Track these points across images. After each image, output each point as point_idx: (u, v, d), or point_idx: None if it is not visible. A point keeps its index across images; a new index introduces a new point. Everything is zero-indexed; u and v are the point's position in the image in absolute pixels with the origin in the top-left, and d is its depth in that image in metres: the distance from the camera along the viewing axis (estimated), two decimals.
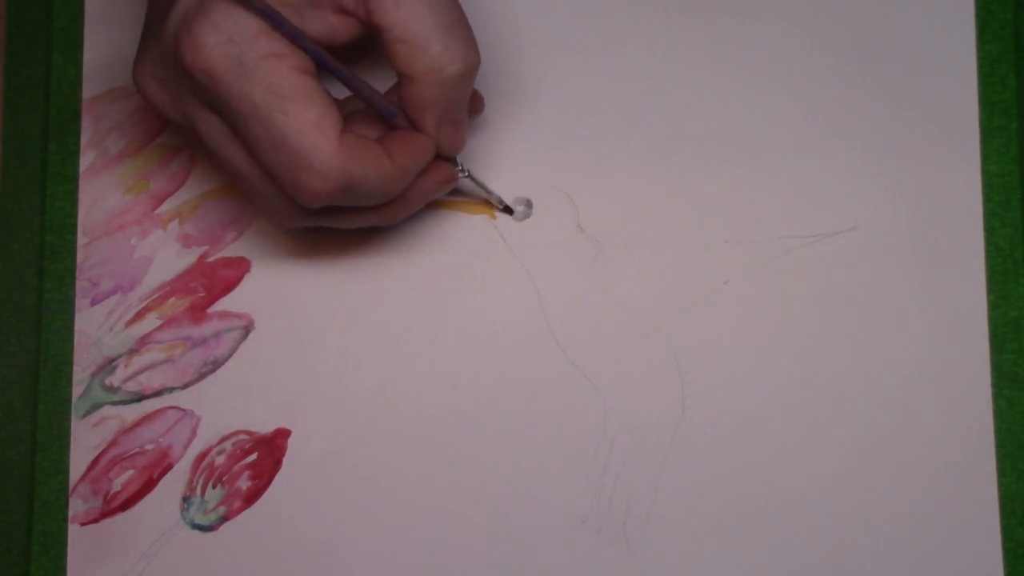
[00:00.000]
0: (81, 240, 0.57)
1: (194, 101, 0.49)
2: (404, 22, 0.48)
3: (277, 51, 0.47)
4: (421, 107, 0.50)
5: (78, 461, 0.56)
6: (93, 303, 0.57)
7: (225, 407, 0.56)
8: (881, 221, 0.55)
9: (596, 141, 0.56)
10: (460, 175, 0.53)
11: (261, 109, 0.47)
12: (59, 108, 0.58)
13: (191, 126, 0.50)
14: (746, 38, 0.56)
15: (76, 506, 0.56)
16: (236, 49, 0.47)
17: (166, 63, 0.49)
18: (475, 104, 0.54)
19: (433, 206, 0.55)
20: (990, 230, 0.55)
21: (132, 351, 0.56)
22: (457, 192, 0.55)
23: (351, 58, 0.52)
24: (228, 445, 0.56)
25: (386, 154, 0.49)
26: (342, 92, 0.51)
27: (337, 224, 0.52)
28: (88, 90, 0.58)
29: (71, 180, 0.57)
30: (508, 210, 0.56)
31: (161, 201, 0.57)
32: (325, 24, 0.49)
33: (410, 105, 0.50)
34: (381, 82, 0.52)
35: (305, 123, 0.47)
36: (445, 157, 0.52)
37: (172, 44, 0.48)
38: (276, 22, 0.47)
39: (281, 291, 0.56)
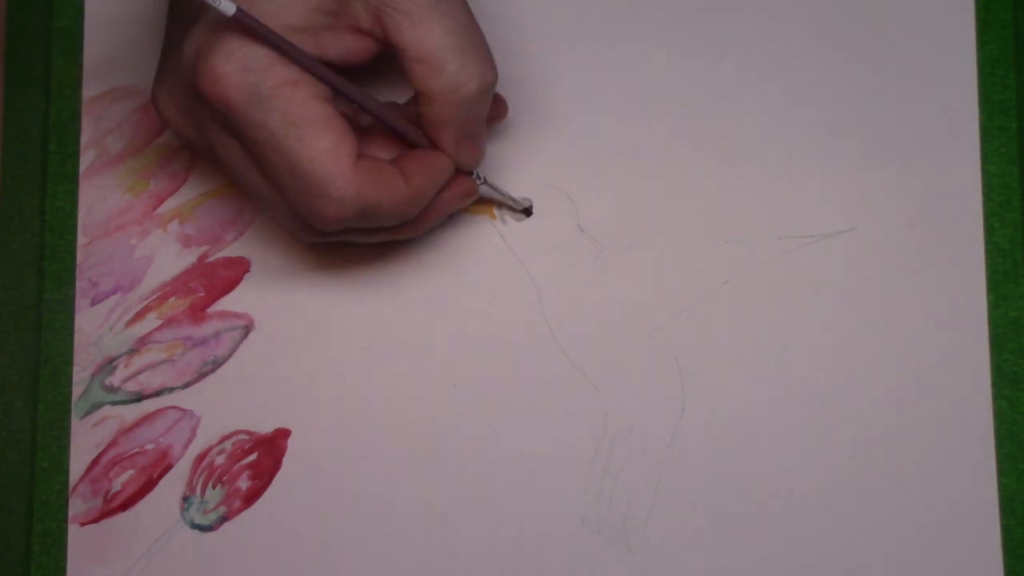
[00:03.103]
0: (81, 240, 0.57)
1: (213, 127, 0.49)
2: (420, 42, 0.48)
3: (292, 78, 0.47)
4: (439, 125, 0.50)
5: (78, 461, 0.56)
6: (93, 303, 0.57)
7: (225, 407, 0.56)
8: (881, 221, 0.55)
9: (596, 141, 0.56)
10: (479, 184, 0.53)
11: (277, 137, 0.47)
12: (59, 108, 0.58)
13: (211, 150, 0.50)
14: (746, 38, 0.56)
15: (76, 506, 0.56)
16: (252, 78, 0.47)
17: (184, 89, 0.49)
18: (497, 110, 0.54)
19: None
20: (990, 230, 0.55)
21: (132, 351, 0.56)
22: (477, 200, 0.55)
23: (372, 72, 0.52)
24: (228, 445, 0.56)
25: (403, 176, 0.50)
26: None
27: (356, 240, 0.52)
28: (88, 90, 0.58)
29: (71, 180, 0.57)
30: (528, 212, 0.56)
31: (161, 201, 0.57)
32: (343, 46, 0.49)
33: (428, 123, 0.50)
34: (401, 95, 0.53)
35: (320, 151, 0.48)
36: (463, 170, 0.52)
37: (189, 73, 0.48)
38: (286, 52, 0.47)
39: (281, 291, 0.56)
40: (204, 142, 0.50)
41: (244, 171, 0.49)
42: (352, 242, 0.52)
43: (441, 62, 0.48)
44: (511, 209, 0.56)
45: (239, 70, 0.47)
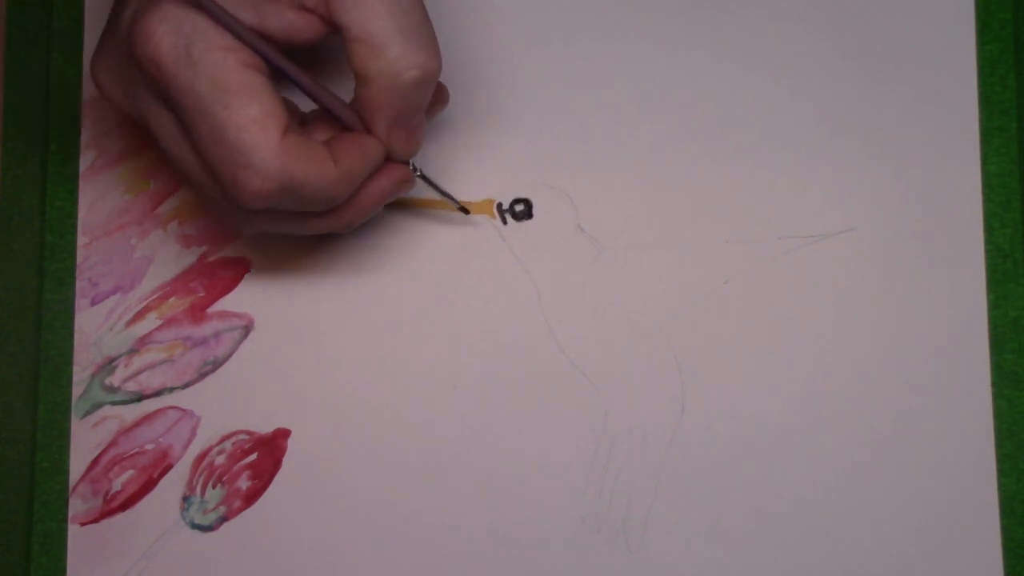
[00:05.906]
0: (81, 240, 0.57)
1: (147, 95, 0.48)
2: (363, 22, 0.47)
3: (227, 44, 0.47)
4: (373, 109, 0.49)
5: (78, 461, 0.56)
6: (93, 303, 0.57)
7: (225, 407, 0.56)
8: (881, 221, 0.55)
9: (596, 141, 0.56)
10: (415, 175, 0.52)
11: (204, 101, 0.46)
12: (59, 108, 0.58)
13: (144, 122, 0.49)
14: (746, 37, 0.56)
15: (76, 506, 0.56)
16: (184, 40, 0.46)
17: (120, 57, 0.49)
18: (438, 97, 0.53)
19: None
20: (990, 230, 0.55)
21: (132, 351, 0.56)
22: (415, 193, 0.54)
23: (322, 60, 0.52)
24: (228, 445, 0.56)
25: (331, 157, 0.48)
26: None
27: (289, 230, 0.51)
28: (88, 90, 0.58)
29: (71, 180, 0.57)
30: (463, 210, 0.55)
31: (161, 201, 0.57)
32: (284, 21, 0.48)
33: (363, 107, 0.49)
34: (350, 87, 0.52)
35: (246, 119, 0.47)
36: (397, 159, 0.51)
37: (125, 35, 0.47)
38: (216, 17, 0.46)
39: (281, 291, 0.56)
40: (138, 113, 0.49)
41: (175, 145, 0.49)
42: (285, 234, 0.51)
43: (382, 45, 0.47)
44: (444, 201, 0.54)
45: (172, 31, 0.46)
